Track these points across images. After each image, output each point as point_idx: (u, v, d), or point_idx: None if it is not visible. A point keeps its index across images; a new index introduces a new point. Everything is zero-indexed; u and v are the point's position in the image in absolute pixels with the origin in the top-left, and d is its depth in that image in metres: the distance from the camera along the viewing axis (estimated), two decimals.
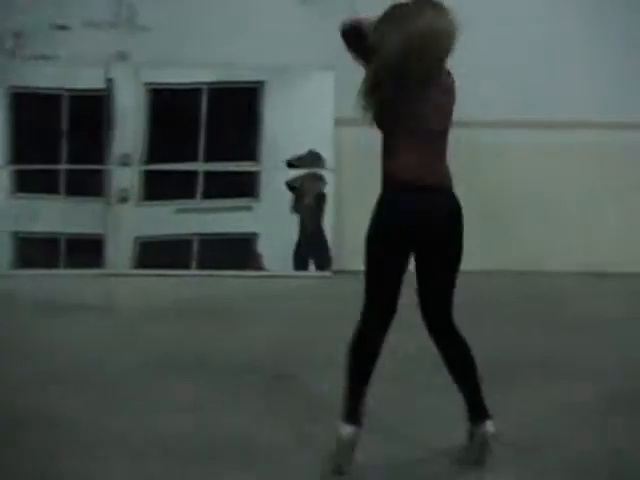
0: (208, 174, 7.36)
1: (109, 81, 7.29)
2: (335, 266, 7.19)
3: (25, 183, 7.32)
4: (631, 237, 7.36)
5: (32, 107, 7.27)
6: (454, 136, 3.47)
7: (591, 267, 7.24)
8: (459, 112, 3.47)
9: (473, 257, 6.94)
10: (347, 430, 3.33)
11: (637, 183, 7.39)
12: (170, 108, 7.34)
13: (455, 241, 3.34)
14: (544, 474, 3.49)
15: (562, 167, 7.41)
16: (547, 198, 7.43)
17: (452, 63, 3.39)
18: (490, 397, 3.51)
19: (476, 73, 6.41)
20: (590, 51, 7.39)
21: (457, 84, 3.40)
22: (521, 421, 3.94)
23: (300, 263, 7.27)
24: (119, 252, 7.23)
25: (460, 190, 3.44)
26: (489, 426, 3.40)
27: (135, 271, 7.20)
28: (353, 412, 3.30)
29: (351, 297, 6.05)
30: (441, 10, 3.26)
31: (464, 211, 3.42)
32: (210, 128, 7.36)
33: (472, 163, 6.88)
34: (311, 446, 3.65)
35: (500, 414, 3.56)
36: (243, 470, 3.47)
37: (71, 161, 7.32)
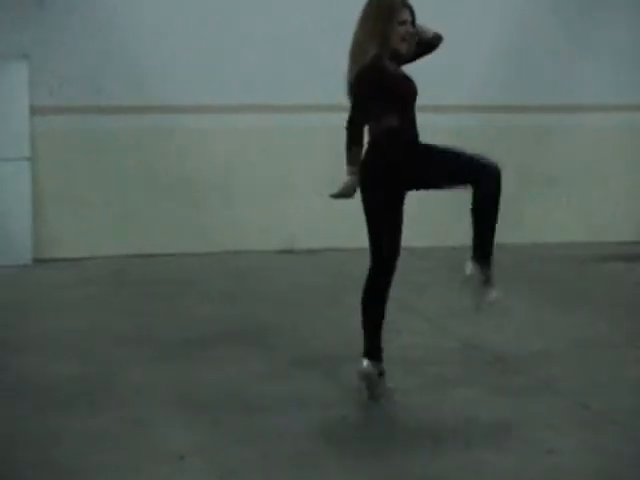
0: None
1: None
2: (35, 255, 7.05)
3: None
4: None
5: None
6: None
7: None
8: None
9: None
10: (365, 364, 3.74)
11: None
12: None
13: None
14: None
15: None
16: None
17: None
18: None
19: None
20: None
21: None
22: None
23: None
24: None
25: None
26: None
27: None
28: (372, 349, 3.75)
29: (53, 286, 5.99)
30: None
31: None
32: None
33: None
34: None
35: None
36: None
37: None
